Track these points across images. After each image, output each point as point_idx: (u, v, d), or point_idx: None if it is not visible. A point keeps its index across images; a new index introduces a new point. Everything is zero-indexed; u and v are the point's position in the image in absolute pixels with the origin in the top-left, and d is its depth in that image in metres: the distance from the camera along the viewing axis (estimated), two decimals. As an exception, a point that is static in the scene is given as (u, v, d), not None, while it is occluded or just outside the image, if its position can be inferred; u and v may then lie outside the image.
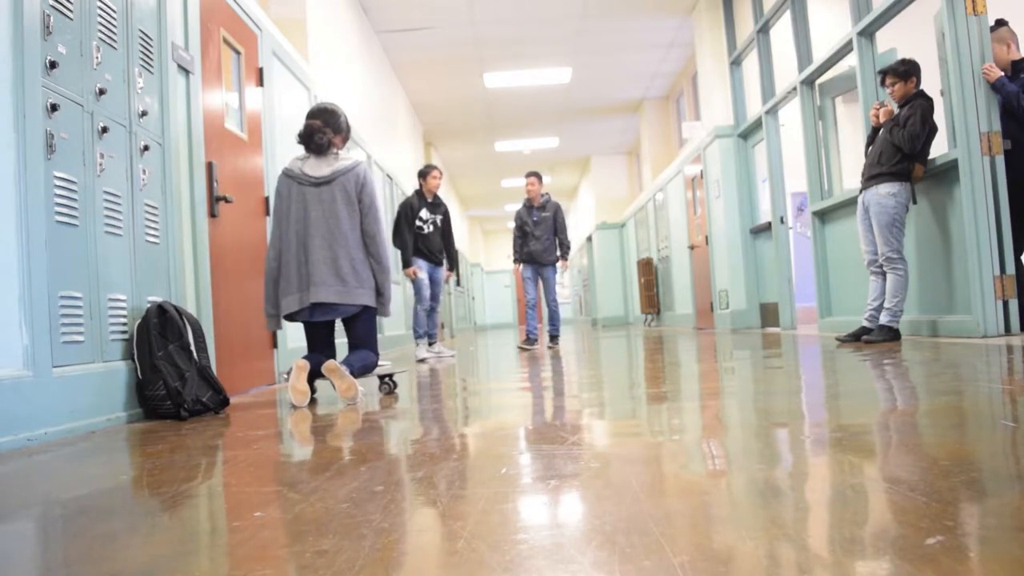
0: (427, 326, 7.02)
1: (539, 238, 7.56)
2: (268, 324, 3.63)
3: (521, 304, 28.31)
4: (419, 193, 7.02)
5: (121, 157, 3.09)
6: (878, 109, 4.97)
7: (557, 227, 7.61)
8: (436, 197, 7.05)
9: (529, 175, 7.63)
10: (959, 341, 4.31)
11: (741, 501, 1.30)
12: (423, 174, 7.02)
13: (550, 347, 7.44)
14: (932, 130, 4.72)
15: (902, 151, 4.70)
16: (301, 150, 3.64)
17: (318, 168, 3.50)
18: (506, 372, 4.97)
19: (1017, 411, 2.04)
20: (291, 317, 3.54)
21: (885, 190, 4.75)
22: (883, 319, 4.79)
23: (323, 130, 3.52)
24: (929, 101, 4.72)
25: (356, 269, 3.48)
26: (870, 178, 4.87)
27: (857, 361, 3.72)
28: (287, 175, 3.54)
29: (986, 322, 4.35)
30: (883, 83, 4.92)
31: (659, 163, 12.88)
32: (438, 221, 7.00)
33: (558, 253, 7.63)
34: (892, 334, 4.75)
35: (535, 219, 7.60)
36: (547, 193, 7.73)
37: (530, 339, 7.54)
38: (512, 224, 9.31)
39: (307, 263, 3.43)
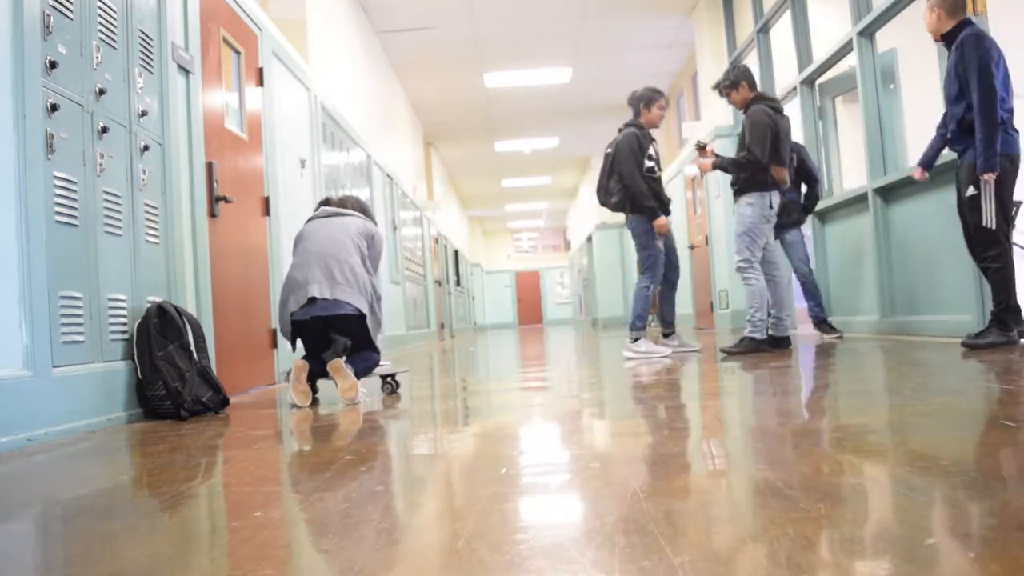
0: (664, 311, 5.38)
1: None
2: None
3: (522, 304, 28.05)
4: (639, 126, 5.14)
5: (121, 157, 3.09)
6: (706, 153, 5.00)
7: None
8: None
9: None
10: (958, 341, 4.30)
11: (741, 501, 1.30)
12: (647, 100, 5.10)
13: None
14: (774, 134, 4.71)
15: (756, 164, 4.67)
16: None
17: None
18: (506, 372, 4.97)
19: (1017, 411, 2.04)
20: (295, 325, 3.48)
21: (743, 200, 4.75)
22: (746, 331, 4.71)
23: (345, 202, 3.72)
24: (764, 103, 4.76)
25: (356, 276, 3.47)
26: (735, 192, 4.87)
27: (857, 361, 3.72)
28: (306, 221, 3.66)
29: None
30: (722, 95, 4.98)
31: (659, 163, 12.87)
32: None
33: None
34: (757, 344, 4.61)
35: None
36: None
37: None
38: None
39: (309, 265, 3.44)
